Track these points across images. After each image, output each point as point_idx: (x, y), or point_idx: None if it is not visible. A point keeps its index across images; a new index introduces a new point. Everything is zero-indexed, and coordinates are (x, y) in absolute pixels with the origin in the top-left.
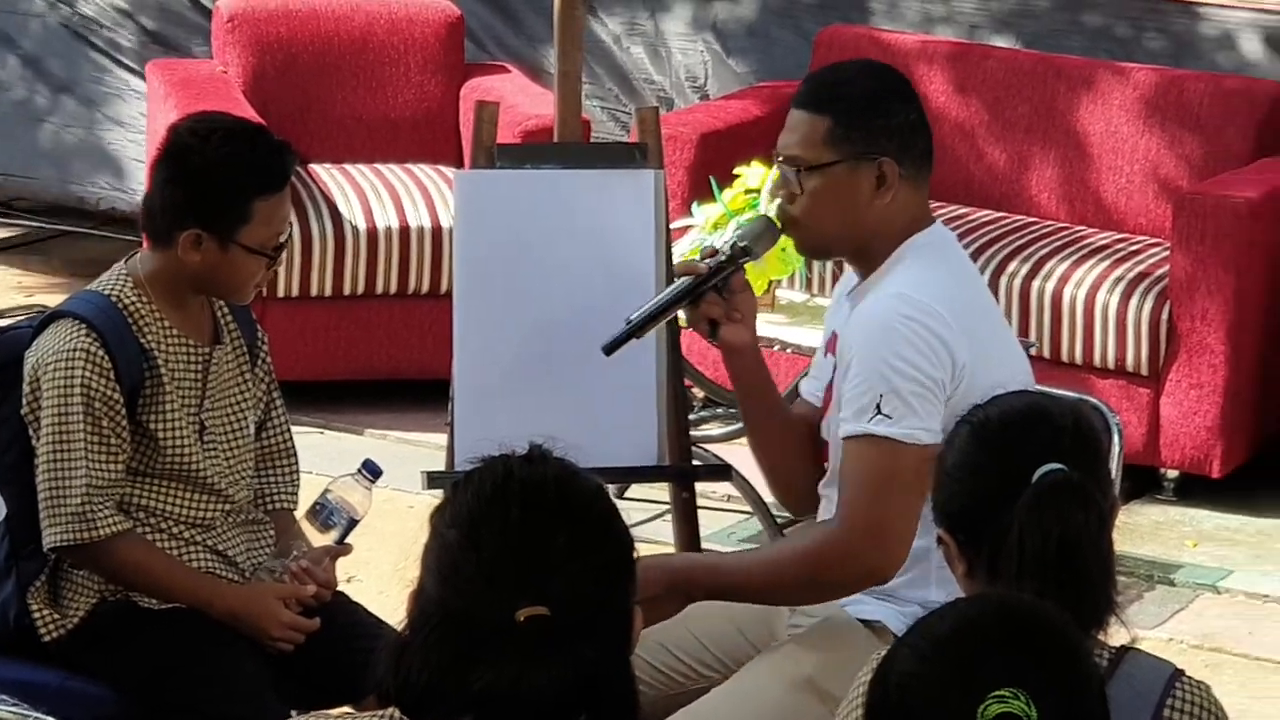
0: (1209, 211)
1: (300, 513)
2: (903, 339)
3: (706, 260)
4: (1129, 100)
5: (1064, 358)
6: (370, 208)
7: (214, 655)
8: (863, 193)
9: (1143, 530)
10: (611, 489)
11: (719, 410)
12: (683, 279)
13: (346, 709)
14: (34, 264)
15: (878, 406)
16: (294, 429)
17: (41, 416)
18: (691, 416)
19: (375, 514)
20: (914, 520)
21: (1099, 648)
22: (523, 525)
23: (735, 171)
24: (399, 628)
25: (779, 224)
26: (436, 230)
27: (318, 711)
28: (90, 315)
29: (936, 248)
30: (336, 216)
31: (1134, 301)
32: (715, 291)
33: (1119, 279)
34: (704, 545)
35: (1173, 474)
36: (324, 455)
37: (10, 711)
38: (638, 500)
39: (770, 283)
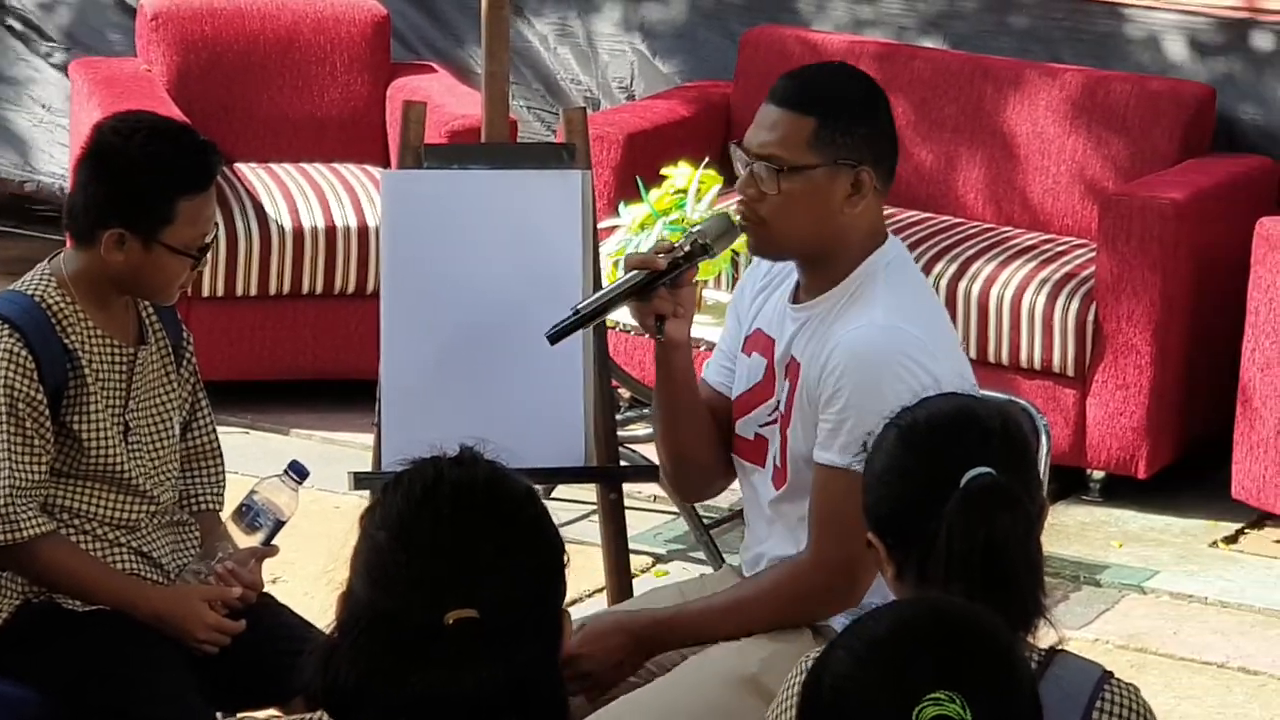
0: (1135, 212)
1: (226, 514)
2: (900, 380)
3: (661, 254)
4: (1056, 101)
5: (990, 359)
6: (296, 207)
7: (138, 657)
8: (835, 199)
9: (1069, 531)
10: (539, 489)
11: (645, 410)
12: (634, 272)
13: (273, 711)
14: None
15: (864, 445)
16: (219, 429)
17: None
18: (618, 417)
19: (301, 515)
20: None
21: (1028, 649)
22: (452, 527)
23: (662, 172)
24: (326, 629)
25: (738, 223)
26: (363, 230)
27: (244, 714)
28: (13, 315)
29: (903, 264)
30: (262, 216)
31: (1060, 302)
32: (665, 287)
33: (1045, 280)
34: (630, 545)
35: (1099, 475)
36: (249, 455)
37: None
38: (564, 500)
39: (697, 282)
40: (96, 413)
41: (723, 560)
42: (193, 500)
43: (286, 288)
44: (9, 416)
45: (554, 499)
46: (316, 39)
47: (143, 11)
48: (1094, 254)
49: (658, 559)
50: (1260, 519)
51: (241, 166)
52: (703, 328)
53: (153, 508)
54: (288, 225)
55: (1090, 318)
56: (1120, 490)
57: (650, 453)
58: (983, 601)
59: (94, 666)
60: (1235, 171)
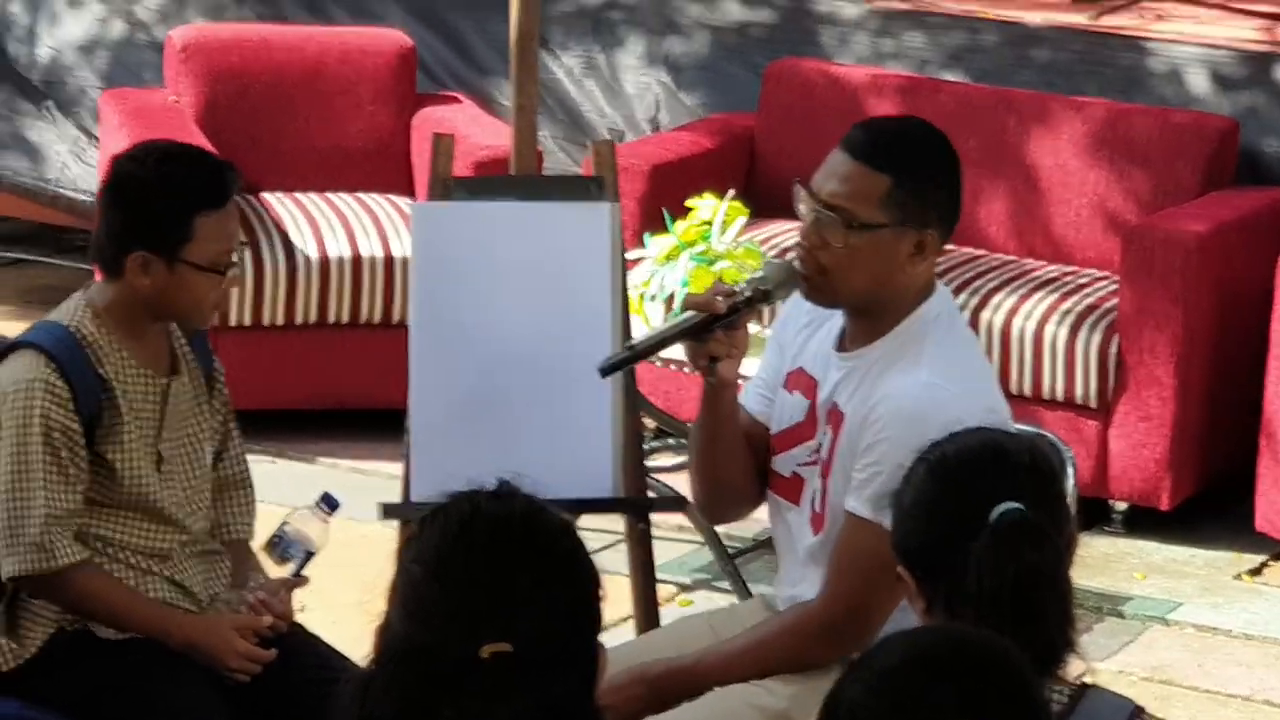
0: (1158, 245)
1: (257, 543)
2: None
3: (721, 297)
4: (1078, 134)
5: (1012, 390)
6: (322, 237)
7: (170, 685)
8: (898, 258)
9: (1092, 562)
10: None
11: (670, 441)
12: (691, 313)
13: None
14: None
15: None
16: (247, 458)
17: (0, 447)
18: (644, 447)
19: (329, 544)
20: (894, 606)
21: (1058, 684)
22: (488, 561)
23: (687, 204)
24: (357, 659)
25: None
26: (388, 260)
27: None
28: (50, 345)
29: (950, 318)
30: (289, 246)
31: (1082, 334)
32: (721, 329)
33: (1068, 312)
34: (656, 575)
35: (1121, 506)
36: (277, 484)
37: None
38: (591, 530)
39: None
40: (130, 442)
41: (748, 590)
42: (224, 530)
43: (313, 317)
44: (45, 446)
45: (580, 529)
46: (342, 70)
47: (171, 43)
48: (1116, 286)
49: (683, 588)
50: None
51: (268, 196)
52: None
53: (185, 537)
54: (314, 255)
55: (1113, 350)
56: (1143, 522)
57: (676, 483)
58: (1012, 637)
59: (127, 694)
60: (1258, 204)
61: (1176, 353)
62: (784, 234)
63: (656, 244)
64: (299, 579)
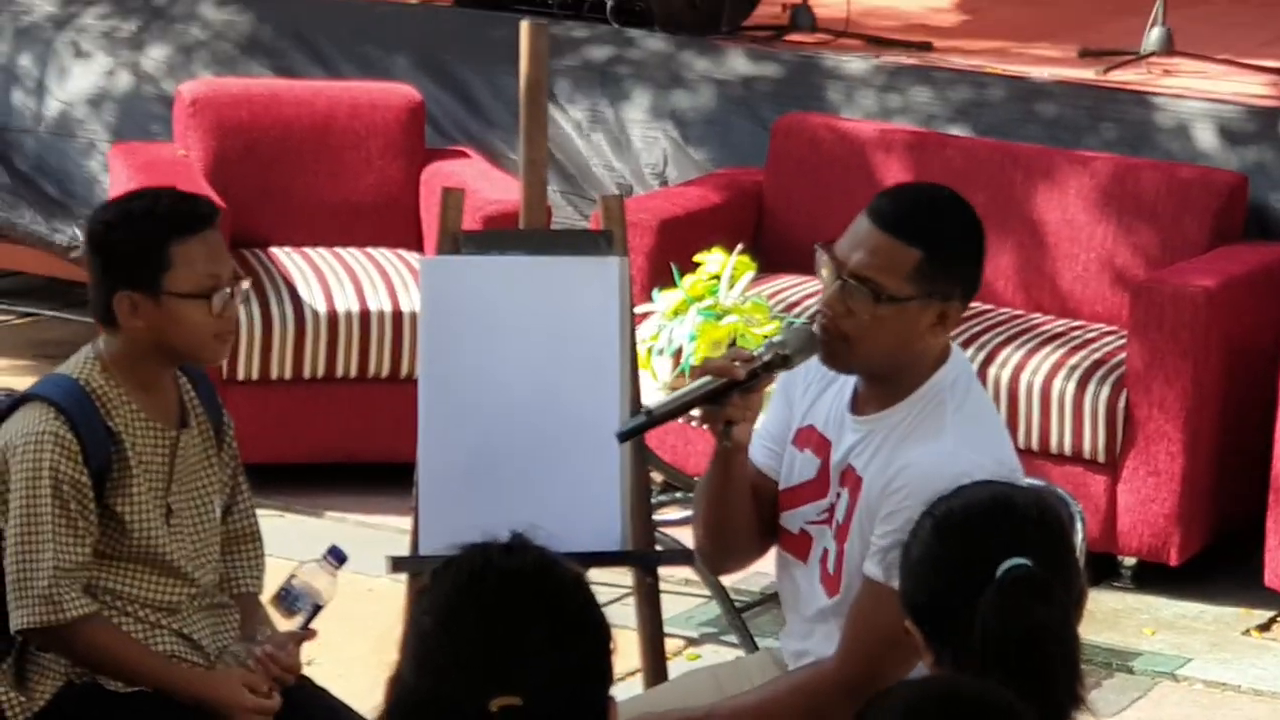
0: (1166, 300)
1: (266, 596)
2: None
3: (739, 363)
4: (1085, 189)
5: (1020, 444)
6: (330, 291)
7: None
8: (920, 328)
9: (1101, 618)
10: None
11: (678, 495)
12: (708, 378)
13: None
14: None
15: None
16: (256, 511)
17: (10, 499)
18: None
19: (336, 597)
20: (909, 670)
21: None
22: (498, 614)
23: (696, 258)
24: (365, 712)
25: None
26: (396, 314)
27: None
28: (59, 399)
29: (967, 382)
30: (297, 300)
31: (1091, 389)
32: (738, 394)
33: (1075, 366)
34: (664, 628)
35: (1130, 562)
36: (285, 538)
37: None
38: (598, 583)
39: None
40: (139, 495)
41: (755, 644)
42: (233, 583)
43: (321, 371)
44: (54, 498)
45: (589, 582)
46: (352, 124)
47: (180, 98)
48: (1124, 341)
49: (690, 642)
50: None
51: (277, 251)
52: None
53: (194, 590)
54: (322, 309)
55: (1121, 404)
56: (1152, 577)
57: (683, 536)
58: (1019, 693)
59: None
60: (1267, 259)
61: (1185, 407)
62: (791, 288)
63: (665, 298)
64: (307, 632)
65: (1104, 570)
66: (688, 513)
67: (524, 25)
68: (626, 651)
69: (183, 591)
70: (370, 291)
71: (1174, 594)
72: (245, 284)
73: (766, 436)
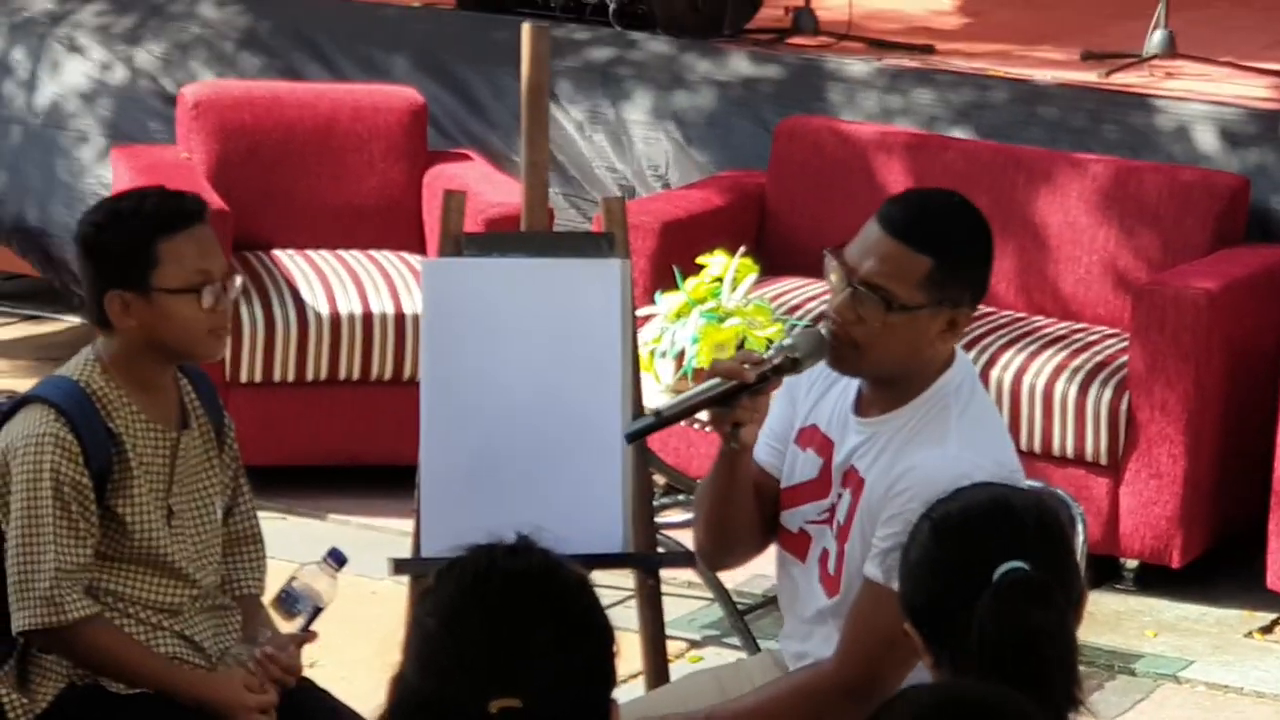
0: (1168, 303)
1: (267, 598)
2: None
3: (748, 365)
4: (1087, 191)
5: (1022, 447)
6: (333, 294)
7: None
8: (929, 335)
9: (1103, 620)
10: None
11: (680, 497)
12: (717, 380)
13: None
14: None
15: None
16: (257, 514)
17: (11, 501)
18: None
19: (338, 600)
20: (908, 671)
21: None
22: (501, 616)
23: (698, 260)
24: (367, 714)
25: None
26: (399, 317)
27: None
28: (59, 400)
29: (971, 386)
30: (299, 302)
31: (1092, 392)
32: (747, 396)
33: (1077, 369)
34: (665, 631)
35: (1132, 564)
36: (287, 540)
37: None
38: (600, 586)
39: None
40: (140, 497)
41: (757, 646)
42: (234, 585)
43: (324, 374)
44: (55, 500)
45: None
46: (354, 127)
47: (183, 100)
48: (1126, 344)
49: (693, 644)
50: None
51: (279, 253)
52: None
53: (195, 591)
54: (325, 312)
55: (1123, 407)
56: (1154, 580)
57: (685, 539)
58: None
59: None
60: (1269, 262)
61: (1187, 410)
62: (794, 291)
63: (667, 301)
64: (308, 634)
65: (1106, 572)
66: (690, 515)
67: (525, 28)
68: (628, 654)
69: (184, 593)
70: (373, 294)
71: (1176, 596)
72: (239, 279)
73: (769, 435)
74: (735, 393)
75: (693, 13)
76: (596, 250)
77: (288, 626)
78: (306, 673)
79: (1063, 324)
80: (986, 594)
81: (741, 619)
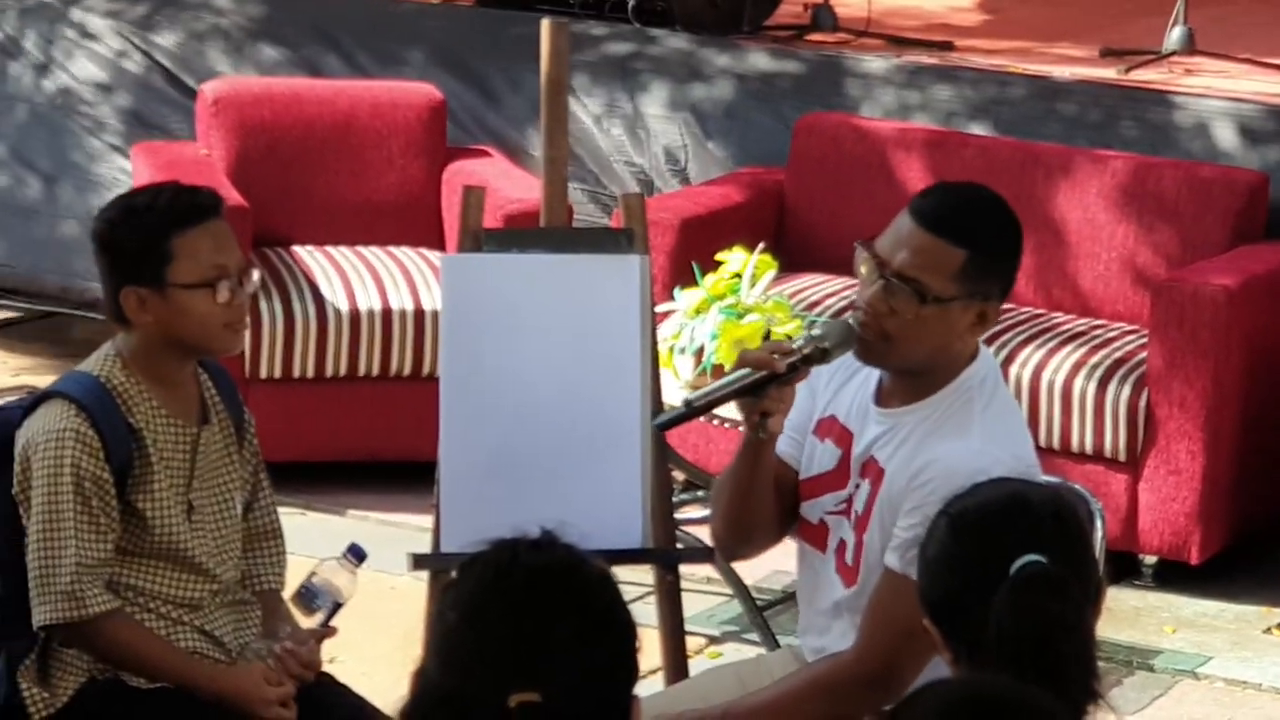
0: (1187, 299)
1: (287, 594)
2: None
3: (777, 355)
4: (1106, 188)
5: (1041, 443)
6: (353, 290)
7: None
8: (959, 328)
9: (1121, 616)
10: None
11: (699, 493)
12: (747, 370)
13: None
14: (19, 345)
15: None
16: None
17: (31, 496)
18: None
19: (358, 595)
20: (926, 662)
21: None
22: (522, 610)
23: (717, 257)
24: (386, 709)
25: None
26: (419, 313)
27: None
28: (80, 395)
29: (994, 381)
30: (319, 298)
31: (1111, 388)
32: (775, 386)
33: (1096, 366)
34: (685, 627)
35: (1151, 560)
36: (306, 536)
37: None
38: (619, 582)
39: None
40: (160, 492)
41: (776, 641)
42: (254, 580)
43: (343, 370)
44: (76, 495)
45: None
46: (373, 124)
47: (203, 96)
48: (1145, 340)
49: (712, 640)
50: None
51: (299, 249)
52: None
53: (215, 586)
54: (344, 308)
55: (1142, 403)
56: (1172, 576)
57: (705, 535)
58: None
59: None
60: None
61: (1206, 406)
62: (813, 287)
63: (686, 297)
64: (327, 629)
65: (1124, 569)
66: (709, 511)
67: (545, 24)
68: (648, 650)
69: (204, 588)
70: (392, 290)
71: (1194, 592)
72: (256, 273)
73: (789, 425)
74: (764, 383)
75: (711, 9)
76: (616, 246)
77: (307, 622)
78: (326, 668)
79: (1082, 320)
80: (1003, 587)
81: (761, 615)
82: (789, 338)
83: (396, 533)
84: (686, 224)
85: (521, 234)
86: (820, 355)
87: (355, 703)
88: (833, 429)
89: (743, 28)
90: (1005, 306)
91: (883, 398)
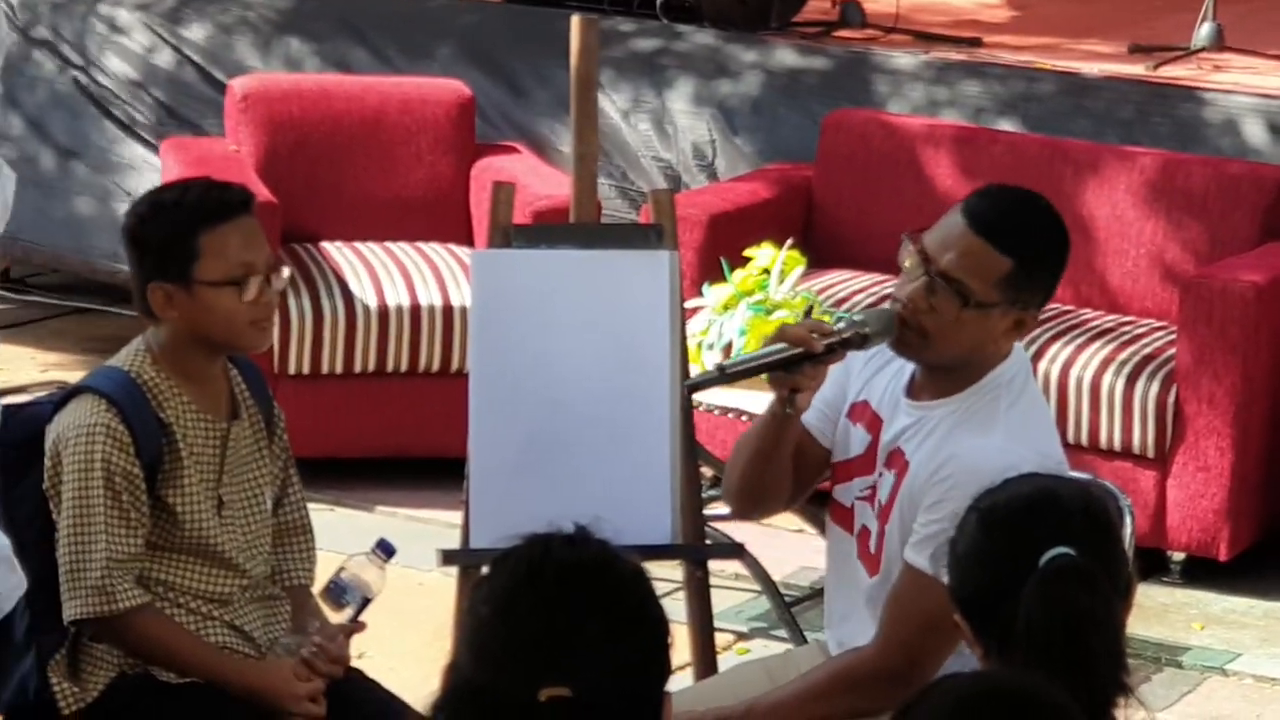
0: (1215, 296)
1: (316, 589)
2: None
3: (816, 335)
4: (1134, 184)
5: (1069, 440)
6: (381, 286)
7: None
8: (996, 332)
9: (1150, 612)
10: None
11: None
12: (781, 345)
13: None
14: (49, 341)
15: None
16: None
17: (62, 491)
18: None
19: (386, 591)
20: (948, 656)
21: None
22: (553, 605)
23: (746, 253)
24: (413, 703)
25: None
26: (447, 309)
27: None
28: (110, 390)
29: (1025, 380)
30: (348, 294)
31: (1140, 385)
32: (810, 365)
33: (1124, 362)
34: (715, 624)
35: (1179, 556)
36: (336, 532)
37: None
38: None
39: None
40: (190, 487)
41: (804, 637)
42: (284, 575)
43: (371, 366)
44: (106, 490)
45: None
46: (402, 120)
47: (232, 92)
48: (1173, 336)
49: (740, 636)
50: None
51: (327, 246)
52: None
53: (245, 581)
54: (373, 304)
55: (1170, 400)
56: (1201, 572)
57: (733, 531)
58: (1063, 683)
59: None
60: None
61: (1235, 403)
62: (841, 283)
63: (714, 293)
64: (356, 624)
65: (1153, 565)
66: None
67: (575, 20)
68: (676, 646)
69: (234, 583)
70: (421, 286)
71: (1223, 589)
72: (286, 271)
73: (820, 399)
74: (799, 360)
75: (739, 5)
76: (645, 242)
77: (336, 617)
78: (355, 663)
79: (1110, 317)
80: (1032, 580)
81: (788, 610)
82: (848, 316)
83: (425, 529)
84: (715, 220)
85: (551, 230)
86: (859, 341)
87: (383, 697)
88: (865, 414)
89: (770, 24)
90: None
91: (914, 390)
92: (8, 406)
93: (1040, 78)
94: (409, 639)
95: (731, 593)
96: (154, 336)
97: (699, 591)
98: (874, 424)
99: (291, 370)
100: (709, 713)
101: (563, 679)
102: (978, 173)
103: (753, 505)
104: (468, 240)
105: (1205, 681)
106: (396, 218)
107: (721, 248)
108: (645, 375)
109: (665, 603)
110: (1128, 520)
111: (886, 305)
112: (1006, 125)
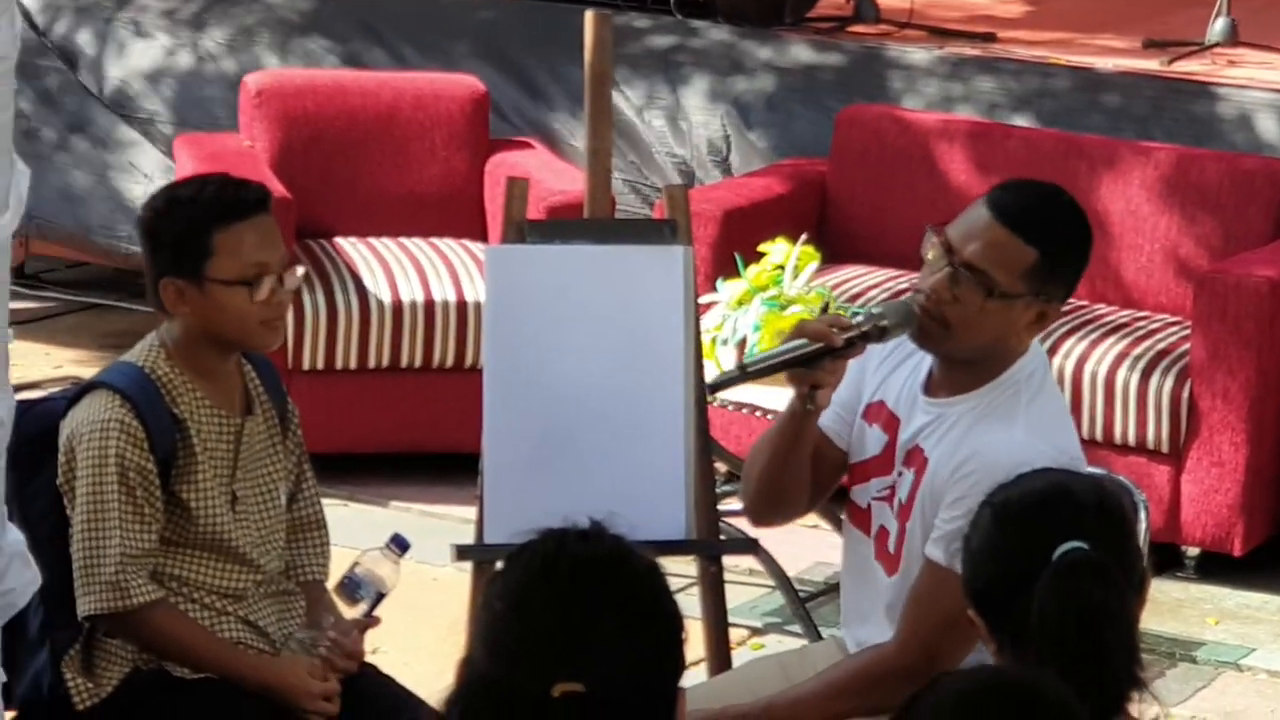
0: (1230, 291)
1: (331, 584)
2: None
3: (836, 329)
4: (1149, 179)
5: (1084, 435)
6: (395, 281)
7: None
8: (1018, 325)
9: (1164, 608)
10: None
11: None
12: (803, 340)
13: None
14: (63, 337)
15: None
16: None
17: (76, 486)
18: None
19: (400, 586)
20: (968, 653)
21: None
22: (567, 600)
23: (760, 248)
24: (427, 699)
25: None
26: (461, 304)
27: None
28: (124, 386)
29: (1043, 375)
30: (362, 290)
31: (1154, 380)
32: (830, 359)
33: (1139, 357)
34: (729, 619)
35: (1194, 552)
36: (350, 527)
37: None
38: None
39: None
40: (204, 482)
41: (819, 633)
42: (298, 570)
43: (385, 361)
44: (120, 485)
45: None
46: (416, 115)
47: (246, 88)
48: (1188, 332)
49: (754, 632)
50: None
51: (342, 241)
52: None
53: (259, 577)
54: (387, 299)
55: (1185, 395)
56: (1215, 567)
57: (747, 526)
58: (1076, 677)
59: None
60: None
61: (1249, 398)
62: (856, 279)
63: (728, 288)
64: (371, 619)
65: (1167, 560)
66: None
67: (589, 15)
68: (691, 641)
69: (248, 578)
70: (435, 281)
71: (1237, 584)
72: (301, 269)
73: (836, 402)
74: (819, 355)
75: (753, 1)
76: (659, 237)
77: (351, 612)
78: (369, 659)
79: (1124, 312)
80: (1046, 573)
81: (803, 606)
82: (867, 310)
83: (439, 524)
84: (729, 215)
85: (565, 225)
86: (878, 334)
87: (398, 693)
88: (881, 414)
89: (784, 20)
90: None
91: (932, 387)
92: (22, 402)
93: (1054, 73)
94: (423, 634)
95: (746, 588)
96: (168, 332)
97: (713, 587)
98: (891, 423)
99: (306, 365)
100: (727, 711)
101: (577, 674)
102: (992, 168)
103: (772, 509)
104: (482, 236)
105: (1220, 676)
106: (411, 213)
107: (735, 243)
108: (659, 370)
109: (679, 598)
110: (1142, 515)
111: (905, 298)
112: (1021, 120)
